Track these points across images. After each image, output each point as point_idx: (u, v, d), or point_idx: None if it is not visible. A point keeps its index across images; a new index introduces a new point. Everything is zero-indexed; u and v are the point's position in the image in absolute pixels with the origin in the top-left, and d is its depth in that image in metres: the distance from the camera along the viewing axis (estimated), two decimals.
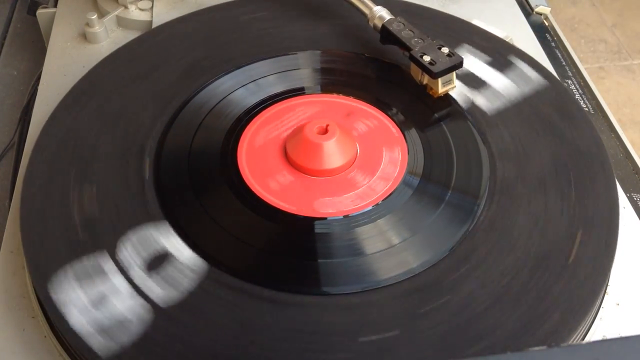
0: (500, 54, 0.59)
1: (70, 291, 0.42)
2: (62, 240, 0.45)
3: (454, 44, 0.57)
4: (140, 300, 0.42)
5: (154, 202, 0.47)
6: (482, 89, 0.56)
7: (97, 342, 0.39)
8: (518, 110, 0.54)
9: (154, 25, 0.64)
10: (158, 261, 0.44)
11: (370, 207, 0.47)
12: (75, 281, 0.42)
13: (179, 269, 0.43)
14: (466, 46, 0.59)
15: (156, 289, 0.42)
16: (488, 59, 0.58)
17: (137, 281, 0.43)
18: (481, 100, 0.55)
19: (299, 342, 0.40)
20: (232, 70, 0.57)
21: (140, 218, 0.46)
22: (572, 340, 0.41)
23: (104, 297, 0.42)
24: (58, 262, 0.44)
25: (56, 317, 0.41)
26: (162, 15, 0.66)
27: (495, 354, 0.29)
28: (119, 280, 0.43)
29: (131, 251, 0.44)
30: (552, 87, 0.56)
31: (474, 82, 0.56)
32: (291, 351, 0.40)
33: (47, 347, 0.43)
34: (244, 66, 0.57)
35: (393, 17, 0.57)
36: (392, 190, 0.48)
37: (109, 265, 0.43)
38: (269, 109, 0.53)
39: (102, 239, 0.45)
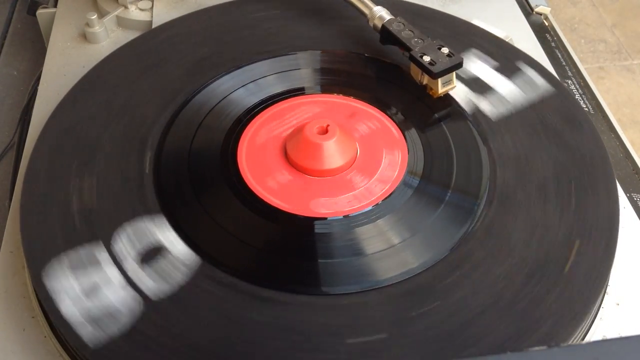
0: (507, 58, 0.59)
1: (64, 279, 0.42)
2: (61, 237, 0.45)
3: (459, 47, 0.57)
4: (131, 292, 0.42)
5: (152, 196, 0.47)
6: (486, 93, 0.56)
7: (86, 332, 0.40)
8: (522, 116, 0.54)
9: (154, 25, 0.64)
10: (152, 254, 0.44)
11: (370, 207, 0.47)
12: (69, 270, 0.43)
13: (172, 263, 0.43)
14: (473, 50, 0.59)
15: (148, 281, 0.42)
16: (494, 63, 0.58)
17: (129, 273, 0.43)
18: (485, 104, 0.55)
19: (289, 341, 0.40)
20: (232, 70, 0.57)
21: (138, 211, 0.46)
22: (572, 340, 0.41)
23: (96, 287, 0.42)
24: (54, 252, 0.44)
25: (48, 306, 0.41)
26: (162, 15, 0.66)
27: (496, 354, 0.29)
28: (112, 271, 0.43)
29: (126, 243, 0.44)
30: (558, 94, 0.56)
31: (478, 86, 0.56)
32: (280, 349, 0.40)
33: (47, 347, 0.43)
34: (244, 66, 0.57)
35: (393, 17, 0.57)
36: (392, 190, 0.48)
37: (103, 256, 0.44)
38: (269, 108, 0.53)
39: (99, 229, 0.45)
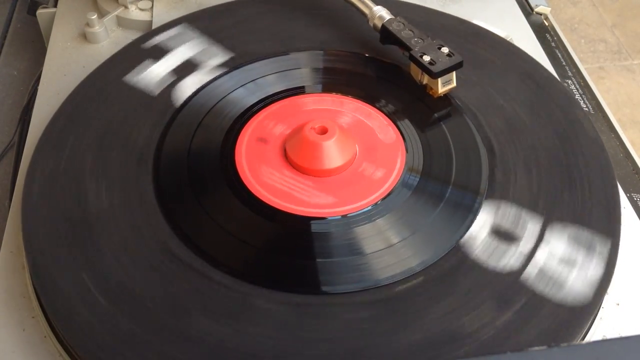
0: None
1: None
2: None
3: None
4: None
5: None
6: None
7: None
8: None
9: (154, 26, 0.64)
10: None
11: (369, 207, 0.47)
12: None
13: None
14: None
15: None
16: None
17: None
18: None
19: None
20: (232, 70, 0.57)
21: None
22: (572, 340, 0.41)
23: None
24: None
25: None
26: (162, 15, 0.66)
27: (496, 354, 0.29)
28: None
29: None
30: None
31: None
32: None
33: (47, 347, 0.43)
34: (243, 66, 0.57)
35: (393, 17, 0.57)
36: (391, 190, 0.48)
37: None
38: (268, 108, 0.53)
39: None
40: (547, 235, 0.46)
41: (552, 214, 0.47)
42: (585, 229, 0.46)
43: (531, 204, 0.47)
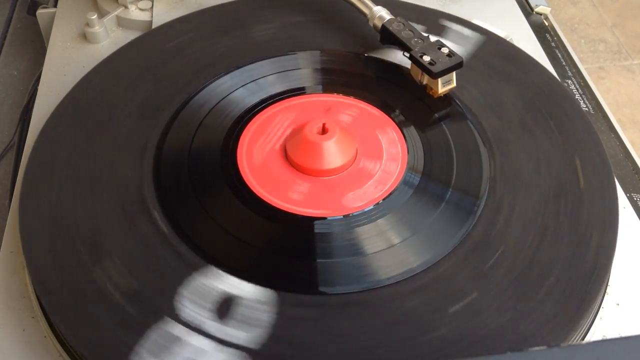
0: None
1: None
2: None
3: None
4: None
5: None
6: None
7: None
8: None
9: (154, 26, 0.64)
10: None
11: (370, 207, 0.47)
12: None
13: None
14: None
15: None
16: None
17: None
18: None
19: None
20: (232, 70, 0.57)
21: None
22: (572, 340, 0.41)
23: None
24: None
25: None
26: (162, 15, 0.66)
27: (496, 354, 0.29)
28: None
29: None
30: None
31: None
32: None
33: (47, 347, 0.43)
34: (243, 66, 0.57)
35: (393, 17, 0.57)
36: (392, 190, 0.48)
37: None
38: (269, 108, 0.53)
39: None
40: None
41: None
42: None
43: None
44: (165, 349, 0.39)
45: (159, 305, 0.41)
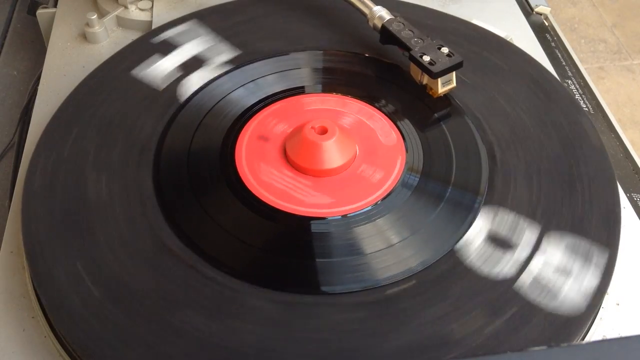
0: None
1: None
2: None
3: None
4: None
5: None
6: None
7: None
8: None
9: (154, 26, 0.64)
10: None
11: (369, 207, 0.47)
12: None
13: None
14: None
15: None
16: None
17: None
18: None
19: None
20: (232, 70, 0.57)
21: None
22: (572, 340, 0.41)
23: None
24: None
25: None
26: (162, 15, 0.66)
27: (496, 354, 0.29)
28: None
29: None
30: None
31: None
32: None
33: (47, 347, 0.43)
34: (243, 66, 0.57)
35: (393, 17, 0.57)
36: (391, 190, 0.48)
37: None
38: (268, 107, 0.53)
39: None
40: (544, 244, 0.45)
41: (550, 222, 0.46)
42: (583, 239, 0.45)
43: (529, 211, 0.47)
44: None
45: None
